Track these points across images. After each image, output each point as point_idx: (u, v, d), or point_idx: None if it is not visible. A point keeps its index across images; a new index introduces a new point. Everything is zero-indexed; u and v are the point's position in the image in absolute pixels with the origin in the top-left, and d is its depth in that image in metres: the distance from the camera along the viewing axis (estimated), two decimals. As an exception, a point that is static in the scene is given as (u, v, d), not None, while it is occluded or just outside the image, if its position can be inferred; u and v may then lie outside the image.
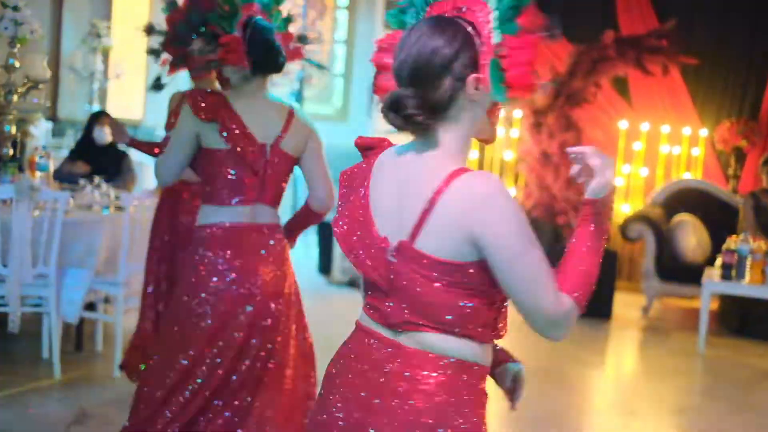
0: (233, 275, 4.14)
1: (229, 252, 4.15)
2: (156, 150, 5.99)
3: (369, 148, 2.35)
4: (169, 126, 5.72)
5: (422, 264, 2.16)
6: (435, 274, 2.15)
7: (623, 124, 10.60)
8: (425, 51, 2.15)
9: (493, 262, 2.12)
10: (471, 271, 2.14)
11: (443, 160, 2.19)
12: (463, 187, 2.13)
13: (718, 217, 9.86)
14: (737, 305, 8.95)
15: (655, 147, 10.73)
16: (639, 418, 6.42)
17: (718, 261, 8.56)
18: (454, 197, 2.12)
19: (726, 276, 8.19)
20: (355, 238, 2.27)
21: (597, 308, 8.91)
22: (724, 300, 9.16)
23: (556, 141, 9.58)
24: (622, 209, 10.53)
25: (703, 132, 10.60)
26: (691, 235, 9.56)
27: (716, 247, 9.42)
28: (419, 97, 2.15)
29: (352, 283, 10.01)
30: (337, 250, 10.25)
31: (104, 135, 7.79)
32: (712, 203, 10.06)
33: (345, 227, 2.30)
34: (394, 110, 2.17)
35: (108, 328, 6.90)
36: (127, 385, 5.67)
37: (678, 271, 9.48)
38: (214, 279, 4.14)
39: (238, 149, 4.12)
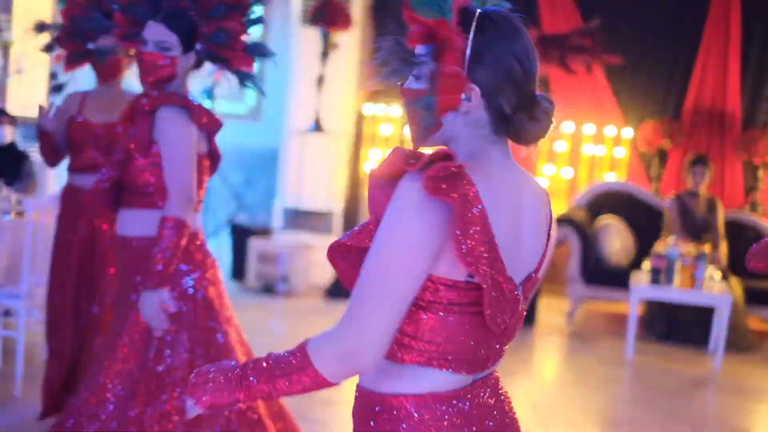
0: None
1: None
2: (55, 156, 5.48)
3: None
4: (74, 128, 5.26)
5: (533, 291, 2.08)
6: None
7: (545, 124, 10.35)
8: None
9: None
10: None
11: (522, 171, 2.05)
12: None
13: (642, 220, 9.69)
14: (664, 310, 8.77)
15: (578, 148, 10.54)
16: (571, 430, 6.17)
17: (646, 265, 8.38)
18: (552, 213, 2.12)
19: (655, 280, 8.00)
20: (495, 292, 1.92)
21: (521, 314, 8.70)
22: (651, 305, 8.97)
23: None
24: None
25: (628, 132, 10.42)
26: (615, 238, 9.38)
27: (640, 251, 9.28)
28: None
29: (267, 289, 9.66)
30: (252, 255, 9.86)
31: (3, 135, 7.32)
32: (636, 205, 9.88)
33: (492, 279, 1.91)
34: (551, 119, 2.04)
35: (8, 343, 6.44)
36: (30, 407, 5.26)
37: (603, 274, 9.28)
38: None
39: (219, 151, 4.06)
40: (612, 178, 10.34)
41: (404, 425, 1.93)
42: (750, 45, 10.25)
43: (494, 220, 1.88)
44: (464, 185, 1.84)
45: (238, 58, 3.98)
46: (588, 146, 10.51)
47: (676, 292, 7.98)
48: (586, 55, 9.93)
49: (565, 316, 9.32)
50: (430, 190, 1.81)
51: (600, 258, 9.30)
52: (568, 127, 10.44)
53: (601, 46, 9.87)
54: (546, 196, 2.09)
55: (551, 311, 9.69)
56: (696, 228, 8.99)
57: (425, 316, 1.91)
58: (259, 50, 4.04)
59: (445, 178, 1.81)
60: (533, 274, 2.02)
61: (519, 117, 1.96)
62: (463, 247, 1.82)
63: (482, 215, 1.85)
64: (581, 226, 9.36)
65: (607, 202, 9.85)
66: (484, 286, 1.86)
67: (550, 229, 2.05)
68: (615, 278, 9.11)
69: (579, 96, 10.47)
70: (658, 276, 7.97)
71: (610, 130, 10.44)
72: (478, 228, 1.84)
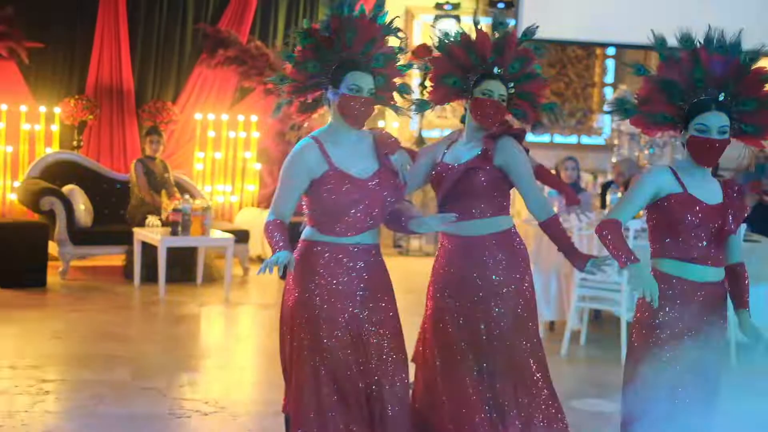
0: None
1: None
2: None
3: None
4: None
5: None
6: None
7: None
8: None
9: None
10: None
11: None
12: None
13: (90, 184, 11.14)
14: (144, 256, 10.21)
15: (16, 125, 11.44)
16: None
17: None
18: None
19: (174, 232, 9.78)
20: None
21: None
22: (128, 255, 10.52)
23: None
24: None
25: (43, 109, 11.45)
26: (80, 202, 10.59)
27: (98, 210, 10.83)
28: None
29: None
30: None
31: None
32: (86, 171, 11.27)
33: None
34: None
35: None
36: None
37: (85, 234, 10.61)
38: None
39: None
40: (51, 150, 11.50)
41: None
42: (136, 23, 12.05)
43: None
44: None
45: None
46: (26, 125, 11.48)
47: (193, 239, 9.99)
48: (10, 41, 10.89)
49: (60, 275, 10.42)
50: None
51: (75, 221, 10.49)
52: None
53: (22, 32, 10.92)
54: None
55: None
56: (157, 184, 10.73)
57: None
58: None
59: None
60: None
61: None
62: None
63: None
64: (63, 194, 10.44)
65: (60, 172, 11.04)
66: None
67: None
68: (97, 237, 10.54)
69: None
70: (177, 228, 9.75)
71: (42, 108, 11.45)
72: None
